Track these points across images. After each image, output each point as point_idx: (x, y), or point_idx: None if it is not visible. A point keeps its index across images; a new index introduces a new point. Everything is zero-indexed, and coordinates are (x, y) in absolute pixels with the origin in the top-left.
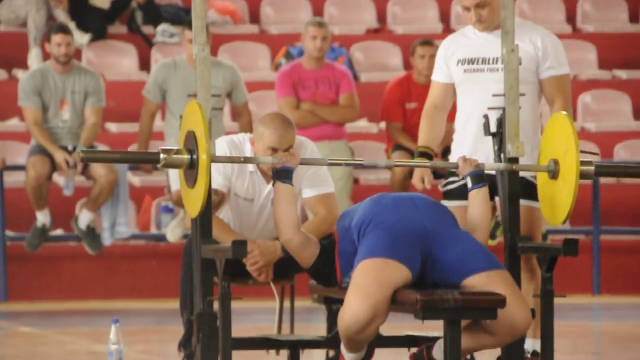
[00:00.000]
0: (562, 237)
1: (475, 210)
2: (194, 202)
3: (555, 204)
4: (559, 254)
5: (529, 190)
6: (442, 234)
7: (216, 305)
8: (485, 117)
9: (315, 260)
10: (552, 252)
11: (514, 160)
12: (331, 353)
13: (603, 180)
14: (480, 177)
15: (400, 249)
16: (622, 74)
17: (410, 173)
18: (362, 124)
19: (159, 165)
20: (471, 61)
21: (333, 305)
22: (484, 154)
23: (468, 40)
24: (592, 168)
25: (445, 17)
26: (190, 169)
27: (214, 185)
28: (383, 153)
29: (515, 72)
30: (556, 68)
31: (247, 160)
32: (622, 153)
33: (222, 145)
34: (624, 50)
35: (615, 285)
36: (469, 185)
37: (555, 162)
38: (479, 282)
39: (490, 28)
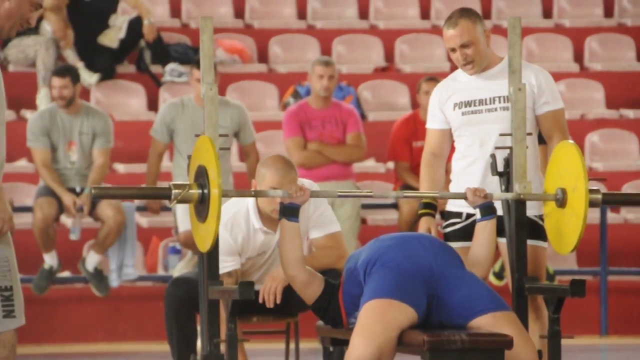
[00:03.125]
0: (570, 278)
1: (482, 243)
2: (205, 237)
3: (562, 233)
4: (567, 295)
5: (534, 229)
6: (448, 275)
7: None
8: (492, 156)
9: (319, 297)
10: (559, 292)
11: (522, 201)
12: None
13: (610, 220)
14: (490, 208)
15: (406, 289)
16: (630, 113)
17: (417, 218)
18: (369, 164)
19: (170, 203)
20: (468, 104)
21: (334, 346)
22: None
23: (461, 84)
24: (599, 197)
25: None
26: (201, 204)
27: (226, 270)
28: (391, 193)
29: (523, 112)
30: (552, 103)
31: (257, 193)
32: (629, 191)
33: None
34: (631, 89)
35: (623, 326)
36: (478, 216)
37: (563, 190)
38: (485, 323)
39: (479, 70)
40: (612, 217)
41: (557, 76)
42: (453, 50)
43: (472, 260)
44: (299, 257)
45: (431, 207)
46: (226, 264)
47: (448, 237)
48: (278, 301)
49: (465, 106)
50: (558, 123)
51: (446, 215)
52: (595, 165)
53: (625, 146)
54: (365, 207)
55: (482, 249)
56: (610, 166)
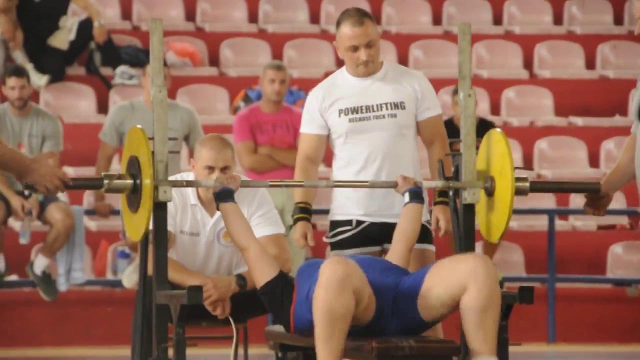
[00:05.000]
0: (518, 285)
1: (408, 220)
2: (137, 226)
3: (491, 221)
4: (515, 302)
5: (422, 233)
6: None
7: (171, 352)
8: (440, 162)
9: (270, 281)
10: (507, 299)
11: (471, 206)
12: None
13: (558, 227)
14: (418, 194)
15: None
16: (578, 121)
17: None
18: (319, 169)
19: (102, 190)
20: (354, 110)
21: (287, 352)
22: (392, 201)
23: (345, 89)
24: (527, 184)
25: (403, 59)
26: (134, 194)
27: None
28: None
29: (472, 118)
30: (432, 109)
31: (189, 183)
32: (578, 200)
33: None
34: (580, 96)
35: (571, 333)
36: (406, 200)
37: (492, 179)
38: (430, 280)
39: (368, 73)
40: (560, 224)
41: (507, 83)
42: (354, 48)
43: (399, 234)
44: (247, 227)
45: (307, 212)
46: None
47: (339, 244)
48: (226, 313)
49: (352, 112)
50: (439, 129)
51: (333, 225)
52: (544, 173)
53: (573, 154)
54: (315, 212)
55: (409, 224)
56: (559, 173)
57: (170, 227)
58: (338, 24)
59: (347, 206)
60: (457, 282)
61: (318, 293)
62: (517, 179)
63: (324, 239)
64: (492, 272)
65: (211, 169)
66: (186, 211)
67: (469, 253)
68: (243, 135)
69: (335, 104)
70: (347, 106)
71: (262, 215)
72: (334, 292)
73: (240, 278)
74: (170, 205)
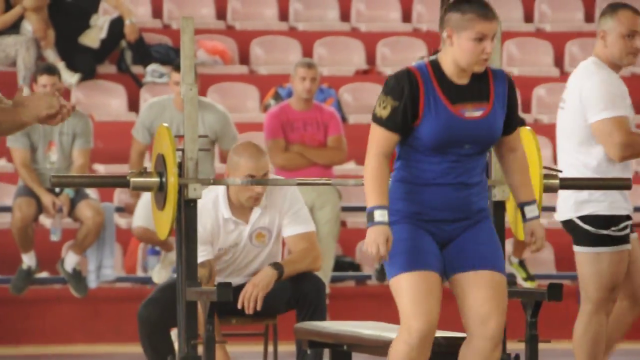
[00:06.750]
0: (548, 282)
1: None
2: (164, 224)
3: (518, 219)
4: (544, 299)
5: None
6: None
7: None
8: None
9: None
10: (536, 296)
11: (501, 204)
12: None
13: None
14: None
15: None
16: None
17: None
18: (350, 167)
19: (129, 190)
20: None
21: (311, 348)
22: None
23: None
24: (557, 181)
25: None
26: (160, 192)
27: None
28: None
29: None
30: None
31: (217, 182)
32: None
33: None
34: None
35: None
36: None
37: None
38: (464, 280)
39: None
40: None
41: (538, 80)
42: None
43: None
44: None
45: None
46: (198, 254)
47: (625, 239)
48: (259, 308)
49: None
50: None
51: (616, 219)
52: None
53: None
54: (345, 210)
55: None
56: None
57: (208, 256)
58: None
59: (622, 201)
60: (467, 322)
61: (399, 347)
62: (546, 176)
63: (608, 232)
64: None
65: (252, 177)
66: (220, 226)
67: (492, 325)
68: (274, 133)
69: None
70: None
71: (294, 213)
72: (417, 350)
73: (276, 265)
74: (203, 232)
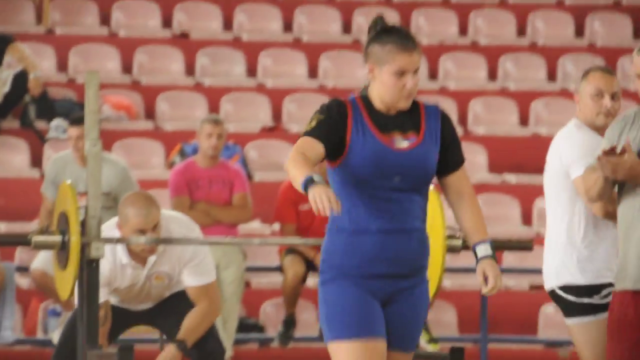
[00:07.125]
0: (450, 345)
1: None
2: (65, 284)
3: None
4: None
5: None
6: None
7: None
8: None
9: None
10: None
11: None
12: None
13: None
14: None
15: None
16: (512, 178)
17: (303, 279)
18: (255, 225)
19: (31, 248)
20: None
21: None
22: None
23: None
24: (459, 242)
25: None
26: (62, 250)
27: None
28: (276, 255)
29: None
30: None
31: (119, 240)
32: (510, 259)
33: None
34: (514, 153)
35: None
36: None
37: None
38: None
39: None
40: None
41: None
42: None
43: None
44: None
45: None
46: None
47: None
48: None
49: None
50: None
51: (601, 286)
52: None
53: (506, 212)
54: (250, 270)
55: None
56: (492, 232)
57: (105, 297)
58: None
59: (605, 269)
60: None
61: None
62: (449, 237)
63: (591, 300)
64: None
65: (142, 232)
66: (118, 270)
67: None
68: (179, 191)
69: None
70: None
71: (195, 265)
72: None
73: (179, 344)
74: (103, 275)
